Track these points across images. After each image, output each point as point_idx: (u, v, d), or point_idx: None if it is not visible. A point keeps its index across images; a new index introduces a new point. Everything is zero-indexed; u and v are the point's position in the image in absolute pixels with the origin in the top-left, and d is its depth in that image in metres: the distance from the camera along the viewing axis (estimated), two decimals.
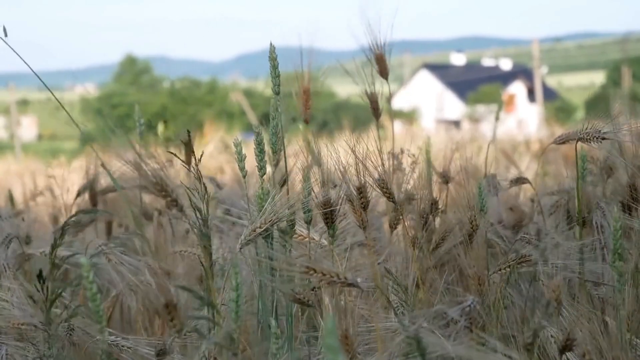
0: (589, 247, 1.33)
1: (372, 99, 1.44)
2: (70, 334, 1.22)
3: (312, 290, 1.08)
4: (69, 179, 2.30)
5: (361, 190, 1.22)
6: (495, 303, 1.24)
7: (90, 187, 1.83)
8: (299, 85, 1.22)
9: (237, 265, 0.95)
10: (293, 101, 1.24)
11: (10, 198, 2.16)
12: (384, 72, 1.45)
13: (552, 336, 1.16)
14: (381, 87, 1.44)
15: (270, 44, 1.16)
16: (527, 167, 3.93)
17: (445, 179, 1.55)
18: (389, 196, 1.25)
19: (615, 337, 1.09)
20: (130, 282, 1.33)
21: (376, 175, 1.23)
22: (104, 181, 1.83)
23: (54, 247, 1.24)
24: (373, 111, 1.43)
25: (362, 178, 1.22)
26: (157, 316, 1.48)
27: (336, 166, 1.18)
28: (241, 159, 1.13)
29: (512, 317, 1.36)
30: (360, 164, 1.21)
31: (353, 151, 1.21)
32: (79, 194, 1.85)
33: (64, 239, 1.26)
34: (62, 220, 2.18)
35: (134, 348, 1.19)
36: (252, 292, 1.15)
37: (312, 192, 1.13)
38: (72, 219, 1.32)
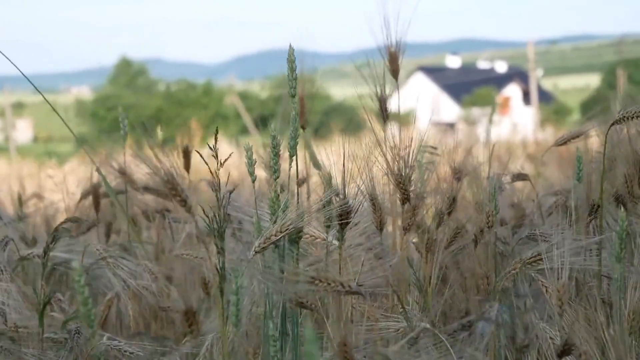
0: (590, 245, 1.33)
1: (381, 99, 1.42)
2: (76, 338, 1.22)
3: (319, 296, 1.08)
4: (65, 181, 2.29)
5: (404, 182, 1.22)
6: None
7: (93, 191, 1.82)
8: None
9: (237, 269, 0.94)
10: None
11: (19, 200, 2.15)
12: (396, 71, 1.43)
13: (550, 338, 1.16)
14: (383, 90, 1.43)
15: (290, 46, 1.15)
16: (522, 168, 3.93)
17: (459, 175, 1.55)
18: (405, 192, 1.25)
19: (616, 339, 1.08)
20: (129, 286, 1.32)
21: (396, 171, 1.23)
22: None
23: (46, 251, 1.23)
24: (382, 112, 1.42)
25: (401, 171, 1.21)
26: (154, 321, 1.47)
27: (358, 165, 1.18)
28: (251, 163, 1.11)
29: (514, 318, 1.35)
30: (386, 158, 1.21)
31: (379, 144, 1.21)
32: (82, 197, 1.84)
33: (60, 242, 1.26)
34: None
35: (136, 353, 1.19)
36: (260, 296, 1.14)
37: (332, 198, 1.12)
38: (63, 225, 1.31)
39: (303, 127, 1.26)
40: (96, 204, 1.82)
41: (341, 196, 1.11)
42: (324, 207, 1.10)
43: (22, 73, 1.36)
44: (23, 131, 46.51)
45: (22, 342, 1.19)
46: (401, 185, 1.24)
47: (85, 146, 1.63)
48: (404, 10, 1.36)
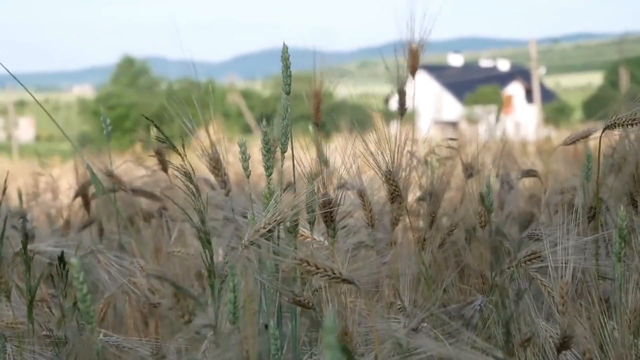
0: (595, 243, 1.33)
1: (401, 94, 1.43)
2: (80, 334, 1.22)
3: (314, 292, 1.08)
4: (63, 180, 2.30)
5: (390, 178, 1.22)
6: (498, 301, 1.24)
7: (82, 191, 1.83)
8: (310, 87, 1.24)
9: (234, 266, 0.94)
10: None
11: (19, 197, 2.15)
12: (415, 68, 1.44)
13: (550, 337, 1.16)
14: (379, 89, 1.44)
15: (284, 44, 1.17)
16: (532, 165, 3.94)
17: (470, 172, 1.56)
18: (395, 188, 1.25)
19: (616, 336, 1.08)
20: (121, 283, 1.33)
21: (384, 168, 1.23)
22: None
23: (24, 244, 1.23)
24: (400, 107, 1.43)
25: (395, 163, 1.22)
26: (151, 318, 1.47)
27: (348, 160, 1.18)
28: (245, 159, 1.13)
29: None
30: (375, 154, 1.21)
31: (377, 141, 1.21)
32: (76, 196, 1.84)
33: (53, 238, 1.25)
34: (60, 220, 2.18)
35: (134, 349, 1.19)
36: (255, 292, 1.15)
37: (316, 192, 1.13)
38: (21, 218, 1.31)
39: (317, 124, 1.27)
40: (86, 204, 1.82)
41: (323, 189, 1.12)
42: (308, 198, 1.10)
43: (15, 77, 1.36)
44: (25, 129, 46.54)
45: (19, 339, 1.19)
46: (390, 182, 1.25)
47: (85, 146, 1.63)
48: (427, 7, 1.37)
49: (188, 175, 1.03)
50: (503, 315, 1.00)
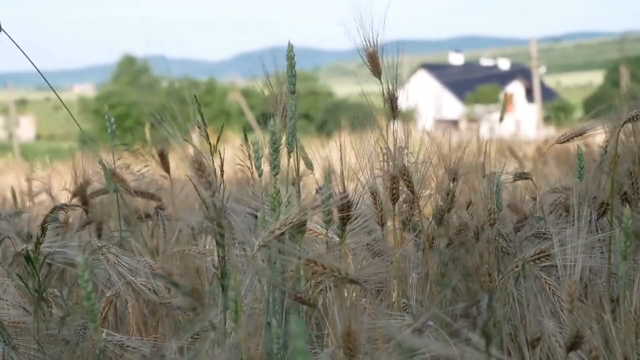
0: (606, 241, 1.33)
1: (392, 97, 1.42)
2: (81, 334, 1.21)
3: (320, 291, 1.08)
4: (62, 180, 2.29)
5: (394, 181, 1.22)
6: (504, 300, 1.24)
7: (81, 190, 1.82)
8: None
9: (234, 265, 0.94)
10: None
11: (13, 196, 2.16)
12: (376, 71, 1.43)
13: (552, 335, 1.16)
14: (380, 87, 1.42)
15: (289, 43, 1.17)
16: (521, 166, 3.94)
17: (453, 176, 1.55)
18: (409, 186, 1.25)
19: (622, 335, 1.08)
20: (130, 282, 1.32)
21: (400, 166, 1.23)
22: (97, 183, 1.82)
23: (38, 243, 1.23)
24: (391, 110, 1.42)
25: (395, 168, 1.22)
26: (152, 316, 1.47)
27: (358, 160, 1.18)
28: (258, 157, 1.13)
29: (516, 315, 1.35)
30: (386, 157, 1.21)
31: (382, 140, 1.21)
32: (74, 196, 1.84)
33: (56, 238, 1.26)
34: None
35: (138, 348, 1.19)
36: (262, 292, 1.15)
37: (333, 193, 1.12)
38: (51, 215, 1.31)
39: None
40: (84, 203, 1.81)
41: (341, 190, 1.12)
42: (325, 201, 1.10)
43: (42, 75, 1.36)
44: (26, 128, 46.54)
45: (20, 338, 1.19)
46: (399, 181, 1.25)
47: (87, 144, 1.63)
48: (379, 9, 1.35)
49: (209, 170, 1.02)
50: (484, 318, 1.00)
